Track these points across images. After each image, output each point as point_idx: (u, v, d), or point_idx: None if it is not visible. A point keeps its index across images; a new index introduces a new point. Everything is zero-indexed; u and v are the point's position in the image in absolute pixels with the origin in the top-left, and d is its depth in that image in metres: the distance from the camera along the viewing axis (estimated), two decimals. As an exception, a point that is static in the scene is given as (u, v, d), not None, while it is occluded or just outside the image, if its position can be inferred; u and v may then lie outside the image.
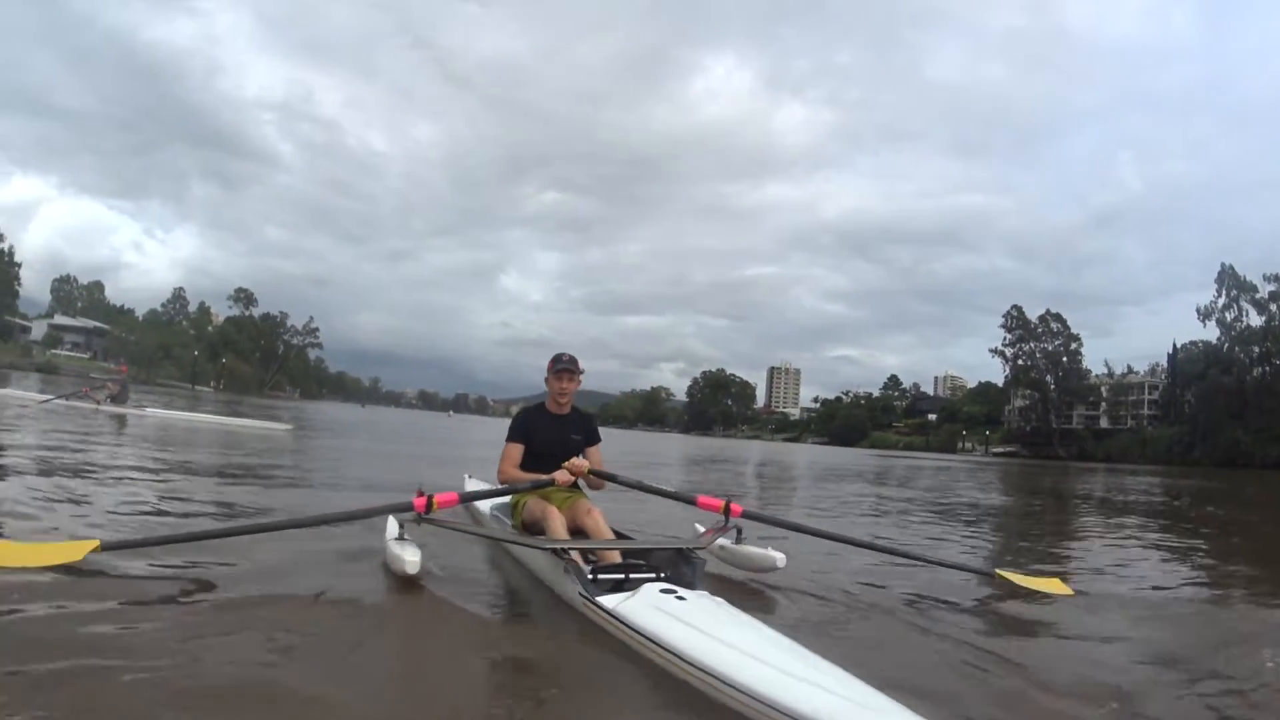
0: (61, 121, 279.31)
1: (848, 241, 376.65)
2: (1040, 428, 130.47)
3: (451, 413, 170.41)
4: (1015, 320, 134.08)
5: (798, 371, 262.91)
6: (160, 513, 7.56)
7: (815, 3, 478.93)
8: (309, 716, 3.33)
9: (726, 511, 6.44)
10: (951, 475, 33.56)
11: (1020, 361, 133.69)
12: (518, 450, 6.60)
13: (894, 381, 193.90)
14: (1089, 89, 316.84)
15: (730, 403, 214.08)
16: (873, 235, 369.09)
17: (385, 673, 3.97)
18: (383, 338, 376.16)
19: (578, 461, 6.32)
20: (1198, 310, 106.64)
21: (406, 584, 5.51)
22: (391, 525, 6.07)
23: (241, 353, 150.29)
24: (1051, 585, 6.95)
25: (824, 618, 5.72)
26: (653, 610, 4.37)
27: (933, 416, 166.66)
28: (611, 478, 6.53)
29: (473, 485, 9.32)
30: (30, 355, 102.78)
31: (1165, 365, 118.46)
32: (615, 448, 39.85)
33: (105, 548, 5.62)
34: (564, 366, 6.73)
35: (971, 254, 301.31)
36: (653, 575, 5.18)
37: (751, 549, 6.78)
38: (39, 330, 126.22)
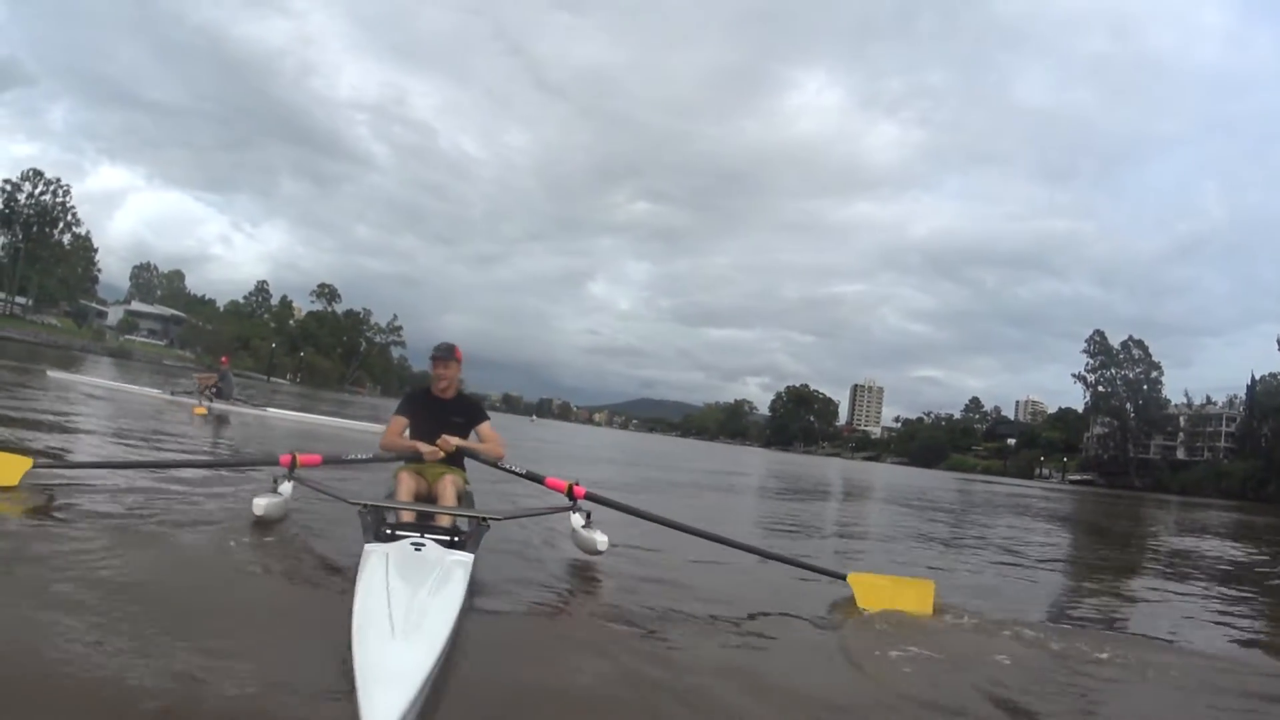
0: (151, 113, 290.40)
1: (935, 262, 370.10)
2: (1118, 456, 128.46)
3: (535, 418, 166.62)
4: (1098, 345, 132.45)
5: (881, 390, 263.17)
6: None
7: (905, 22, 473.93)
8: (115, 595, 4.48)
9: (570, 494, 7.21)
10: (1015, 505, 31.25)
11: (1101, 388, 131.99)
12: (401, 423, 7.26)
13: (975, 404, 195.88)
14: (1173, 116, 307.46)
15: (812, 419, 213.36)
16: (959, 256, 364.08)
17: (176, 576, 5.11)
18: (468, 339, 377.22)
19: (446, 438, 6.90)
20: (1278, 342, 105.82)
21: (256, 523, 6.69)
22: (278, 480, 7.22)
23: (322, 347, 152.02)
24: (913, 598, 6.73)
25: (567, 599, 6.15)
26: (381, 556, 4.90)
27: (1012, 441, 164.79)
28: (474, 455, 7.17)
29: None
30: (103, 339, 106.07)
31: (1243, 398, 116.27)
32: (684, 460, 41.28)
33: (40, 466, 7.12)
34: (438, 354, 7.28)
35: (1056, 279, 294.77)
36: (446, 536, 5.64)
37: (582, 531, 7.22)
38: (115, 316, 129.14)
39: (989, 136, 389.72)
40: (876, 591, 6.77)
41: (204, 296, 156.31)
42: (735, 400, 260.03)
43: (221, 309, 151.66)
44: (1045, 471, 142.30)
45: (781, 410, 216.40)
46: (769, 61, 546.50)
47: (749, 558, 7.61)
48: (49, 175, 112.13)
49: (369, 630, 3.83)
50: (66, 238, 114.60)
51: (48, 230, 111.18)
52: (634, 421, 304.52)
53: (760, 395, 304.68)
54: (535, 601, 5.89)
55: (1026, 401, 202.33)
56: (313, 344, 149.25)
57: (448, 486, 6.59)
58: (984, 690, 4.89)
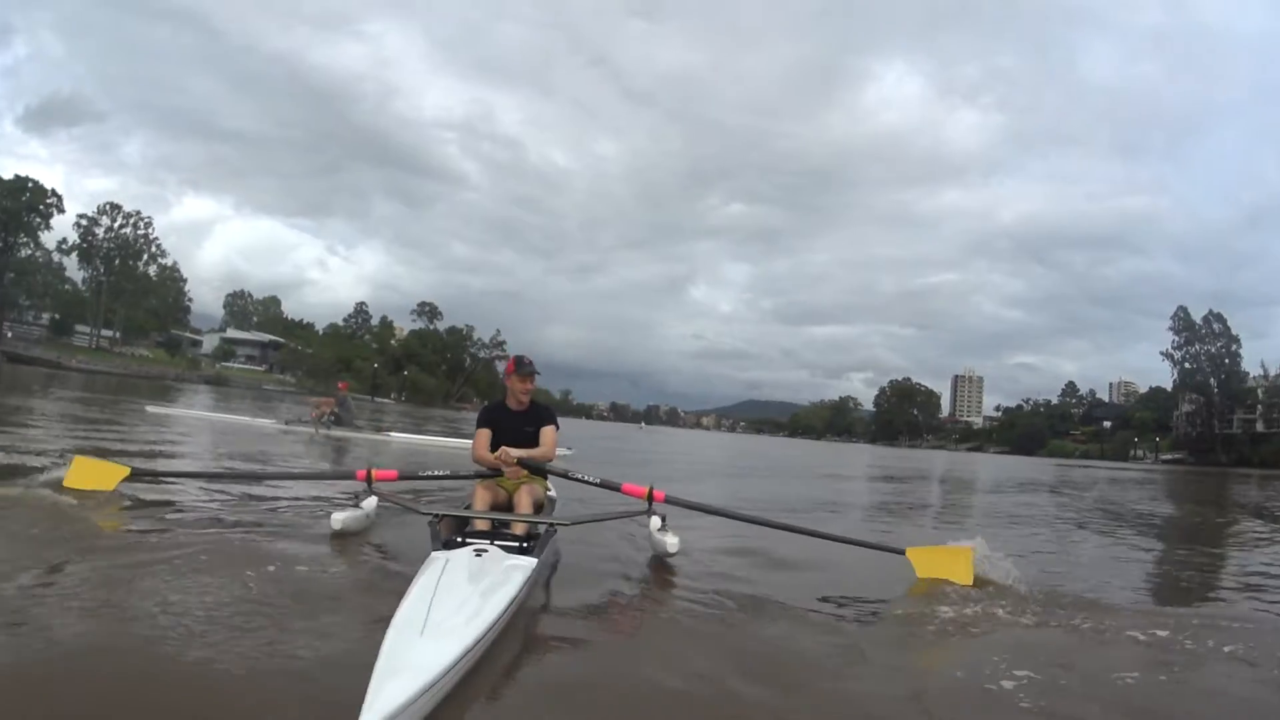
0: (233, 143, 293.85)
1: (1024, 247, 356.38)
2: (1204, 433, 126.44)
3: (643, 425, 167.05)
4: (1182, 322, 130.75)
5: (980, 379, 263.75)
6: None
7: (970, 6, 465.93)
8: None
9: (649, 498, 7.39)
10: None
11: (1187, 365, 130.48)
12: (485, 435, 7.45)
13: (1071, 388, 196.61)
14: (1229, 85, 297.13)
15: (916, 412, 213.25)
16: (1047, 240, 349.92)
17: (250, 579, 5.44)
18: (573, 351, 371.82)
19: (505, 451, 7.14)
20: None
21: (335, 536, 7.10)
22: (360, 496, 7.73)
23: (426, 365, 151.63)
24: (957, 564, 7.06)
25: (612, 600, 6.27)
26: (440, 562, 5.19)
27: (1108, 423, 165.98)
28: (538, 466, 7.33)
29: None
30: (198, 368, 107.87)
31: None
32: (796, 463, 41.17)
33: (136, 474, 8.25)
34: (526, 371, 7.63)
35: (1139, 256, 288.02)
36: (515, 543, 5.99)
37: (656, 535, 7.44)
38: (210, 344, 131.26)
39: (1064, 116, 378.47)
40: (930, 560, 7.19)
41: (302, 320, 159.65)
42: (840, 397, 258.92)
43: (320, 332, 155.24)
44: (1139, 452, 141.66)
45: (885, 405, 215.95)
46: (846, 55, 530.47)
47: (827, 546, 7.76)
48: (129, 208, 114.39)
49: (399, 630, 4.05)
50: (152, 269, 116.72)
51: (131, 263, 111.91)
52: (741, 424, 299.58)
53: (864, 391, 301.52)
54: (602, 603, 6.10)
55: (1119, 383, 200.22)
56: (416, 362, 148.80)
57: (524, 496, 6.89)
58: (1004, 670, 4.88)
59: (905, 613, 6.36)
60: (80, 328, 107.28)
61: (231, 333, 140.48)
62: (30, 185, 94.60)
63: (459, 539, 6.00)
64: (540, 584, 5.93)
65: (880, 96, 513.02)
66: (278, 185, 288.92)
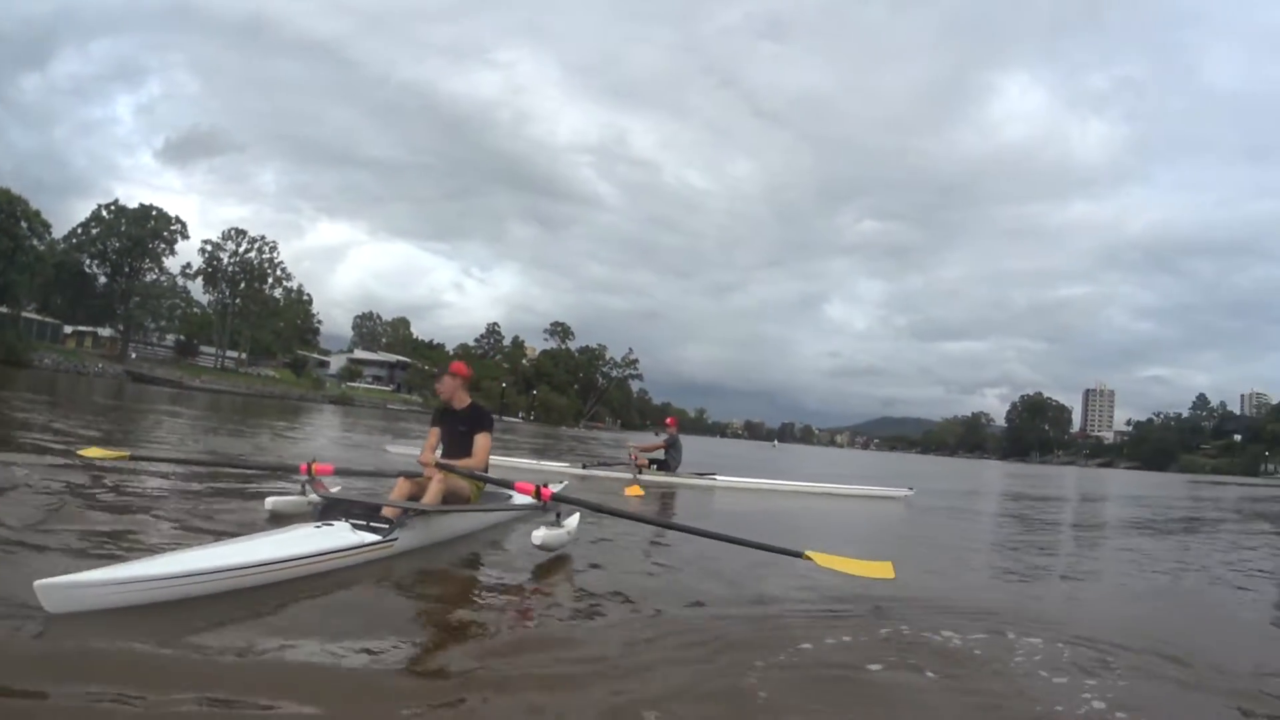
0: (369, 170, 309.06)
1: (1154, 257, 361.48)
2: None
3: (776, 443, 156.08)
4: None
5: (1111, 393, 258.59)
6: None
7: (1093, 15, 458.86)
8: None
9: (538, 494, 7.26)
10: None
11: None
12: (435, 434, 8.04)
13: (1202, 401, 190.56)
14: None
15: (1047, 427, 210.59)
16: (1175, 248, 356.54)
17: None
18: (710, 369, 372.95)
19: (425, 456, 7.48)
20: None
21: (270, 517, 7.73)
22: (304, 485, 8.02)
23: (557, 385, 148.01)
24: (869, 569, 6.54)
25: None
26: (288, 529, 6.05)
27: (1238, 437, 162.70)
28: (450, 468, 7.38)
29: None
30: (323, 388, 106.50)
31: None
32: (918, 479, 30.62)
33: (134, 457, 9.53)
34: (438, 372, 8.32)
35: (1269, 263, 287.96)
36: (386, 523, 6.47)
37: (539, 531, 7.18)
38: (338, 364, 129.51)
39: (1189, 123, 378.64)
40: (839, 563, 6.59)
41: (431, 341, 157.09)
42: (973, 414, 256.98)
43: (450, 352, 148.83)
44: (1269, 467, 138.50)
45: (1017, 420, 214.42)
46: (972, 70, 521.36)
47: (725, 548, 7.22)
48: (257, 234, 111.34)
49: (164, 555, 4.94)
50: (278, 292, 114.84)
51: (256, 286, 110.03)
52: (875, 441, 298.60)
53: (998, 406, 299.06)
54: (450, 585, 6.36)
55: (1251, 394, 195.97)
56: (547, 382, 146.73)
57: (433, 486, 7.15)
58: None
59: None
60: (205, 349, 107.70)
61: (359, 353, 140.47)
62: (154, 213, 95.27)
63: (339, 518, 6.42)
64: (392, 562, 6.38)
65: (1006, 110, 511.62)
66: (412, 210, 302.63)
